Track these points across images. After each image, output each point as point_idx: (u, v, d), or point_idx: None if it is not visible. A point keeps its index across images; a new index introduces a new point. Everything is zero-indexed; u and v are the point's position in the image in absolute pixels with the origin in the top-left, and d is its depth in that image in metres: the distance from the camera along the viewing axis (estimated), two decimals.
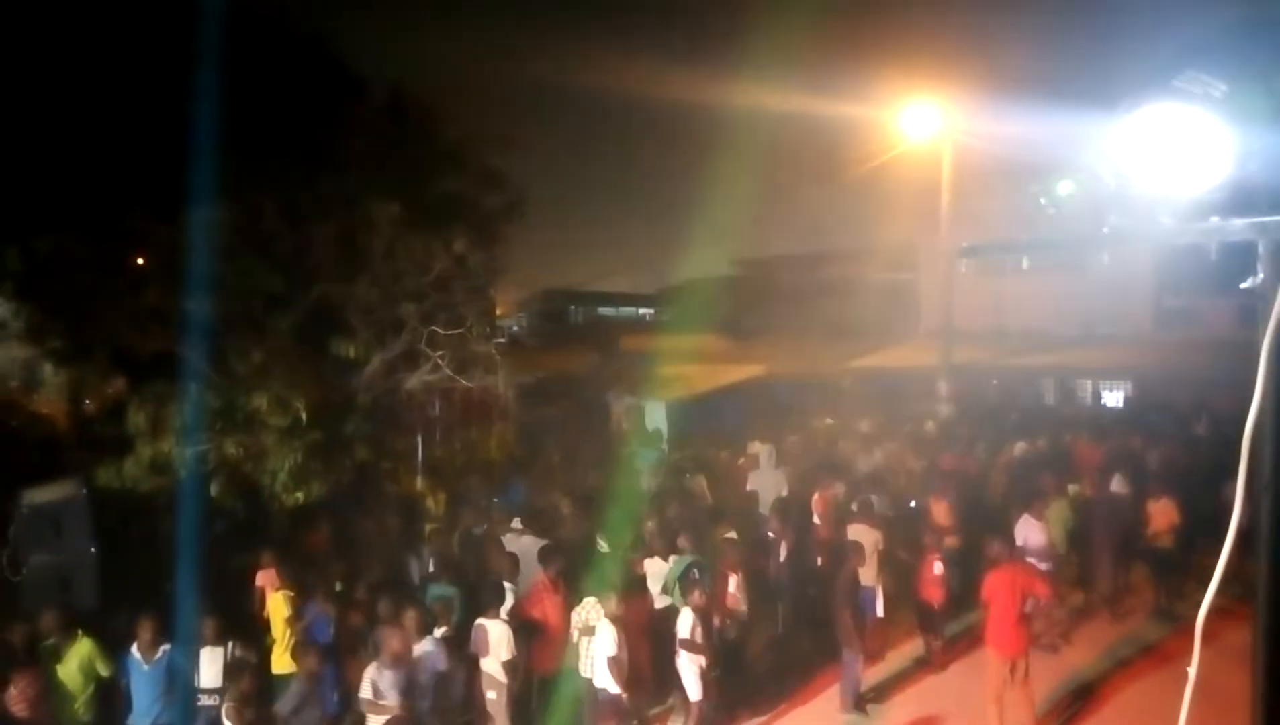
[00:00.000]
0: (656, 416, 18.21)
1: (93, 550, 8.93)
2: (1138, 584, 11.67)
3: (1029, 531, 10.07)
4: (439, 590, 8.55)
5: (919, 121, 19.22)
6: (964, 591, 10.90)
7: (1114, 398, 22.88)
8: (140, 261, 10.41)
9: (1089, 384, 23.24)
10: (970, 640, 10.11)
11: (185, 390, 9.43)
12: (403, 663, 7.20)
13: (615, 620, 7.80)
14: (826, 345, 22.89)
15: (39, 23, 11.80)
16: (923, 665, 9.98)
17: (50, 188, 11.20)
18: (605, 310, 32.55)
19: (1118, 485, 11.64)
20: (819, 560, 9.92)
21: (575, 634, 8.30)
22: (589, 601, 8.31)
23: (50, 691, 7.11)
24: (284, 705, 7.08)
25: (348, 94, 12.53)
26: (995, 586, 8.34)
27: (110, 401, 12.90)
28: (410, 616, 7.74)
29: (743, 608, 9.04)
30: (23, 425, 14.76)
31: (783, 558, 9.74)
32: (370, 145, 11.64)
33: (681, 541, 9.48)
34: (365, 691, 7.09)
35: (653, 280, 33.43)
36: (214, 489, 9.37)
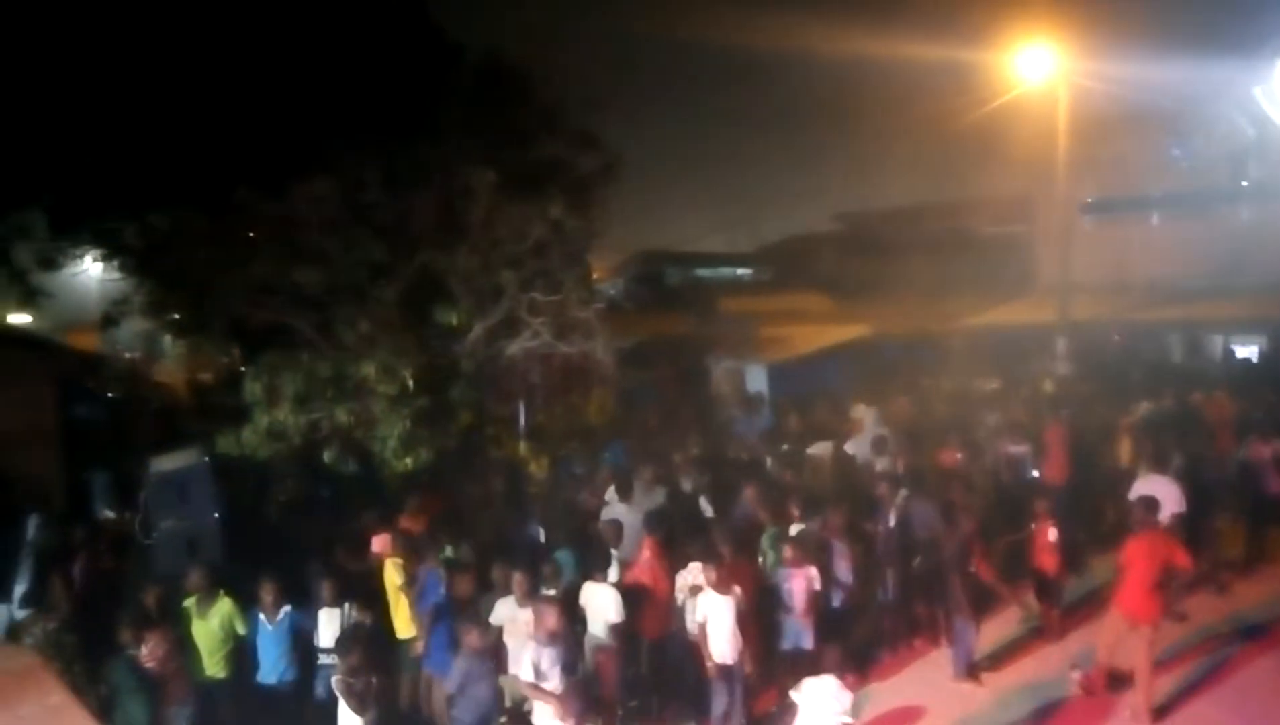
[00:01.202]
0: (757, 379, 17.99)
1: (216, 515, 9.34)
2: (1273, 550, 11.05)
3: (1157, 493, 9.57)
4: (555, 555, 8.65)
5: (1034, 64, 18.20)
6: (1079, 559, 10.54)
7: (1247, 353, 21.49)
8: (251, 235, 10.69)
9: (1219, 339, 21.90)
10: (1089, 608, 9.75)
11: (297, 360, 9.70)
12: (558, 639, 6.98)
13: (722, 586, 7.75)
14: (935, 303, 22.14)
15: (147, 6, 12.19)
16: (1037, 634, 9.65)
17: (164, 165, 11.65)
18: (702, 271, 32.21)
19: (1253, 445, 10.96)
20: (929, 526, 9.61)
21: (682, 599, 8.29)
22: (694, 566, 8.27)
23: (184, 648, 7.49)
24: (451, 683, 7.03)
25: (444, 62, 12.61)
26: (1135, 553, 8.01)
27: (226, 372, 13.47)
28: (519, 580, 7.84)
29: (848, 574, 8.87)
30: (146, 395, 15.57)
31: (891, 524, 9.49)
32: (467, 113, 11.70)
33: (784, 507, 9.36)
34: (525, 673, 6.83)
35: (751, 239, 32.94)
36: (327, 455, 9.66)
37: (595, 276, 13.04)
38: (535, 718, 6.90)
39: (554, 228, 10.91)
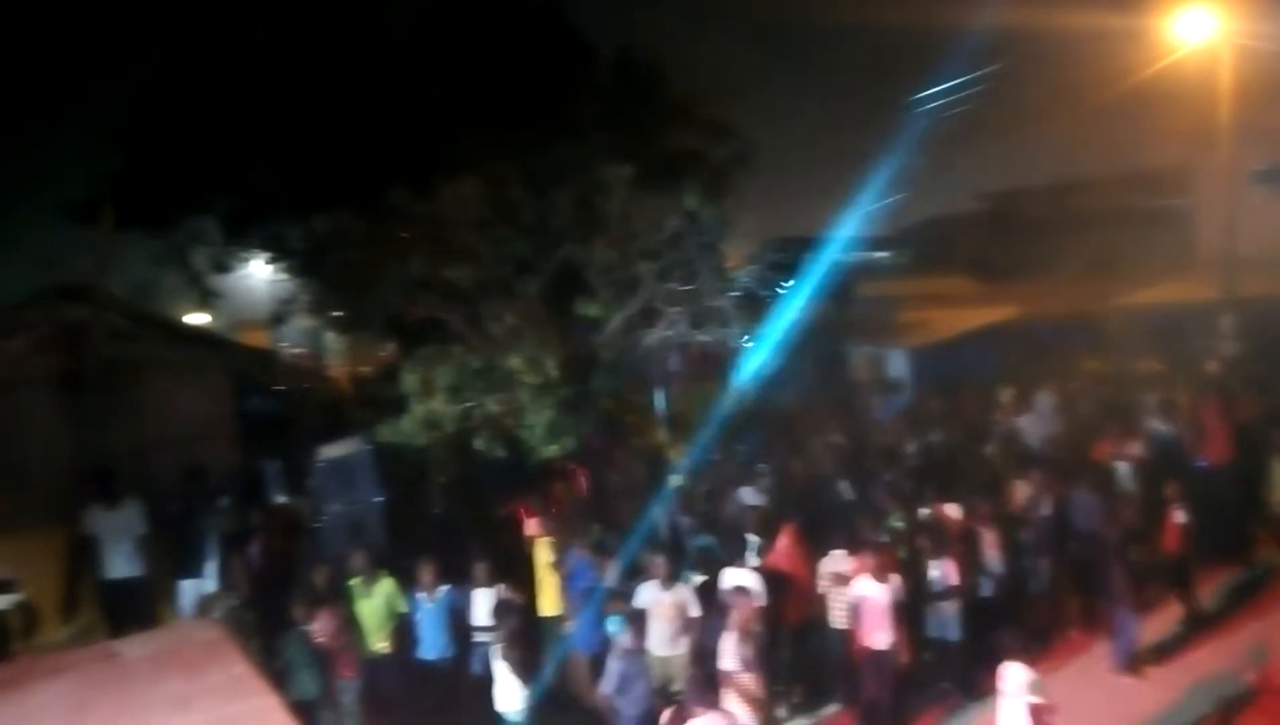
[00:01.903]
0: (898, 364, 17.60)
1: (378, 500, 9.94)
2: None
3: None
4: (699, 541, 8.81)
5: (1193, 25, 17.00)
6: (1247, 546, 9.93)
7: None
8: (405, 235, 11.25)
9: None
10: (1262, 598, 9.18)
11: (450, 353, 10.18)
12: (752, 632, 7.13)
13: (879, 573, 7.69)
14: (1088, 282, 21.03)
15: (299, 15, 12.95)
16: (1197, 625, 9.14)
17: (324, 171, 12.39)
18: (838, 256, 31.57)
19: None
20: (1085, 515, 9.26)
21: (825, 585, 8.28)
22: (837, 553, 8.25)
23: (351, 625, 8.03)
24: (607, 684, 7.20)
25: (580, 61, 12.90)
26: None
27: (384, 365, 14.22)
28: (660, 565, 8.03)
29: (996, 562, 8.64)
30: (311, 388, 16.63)
31: (1045, 512, 9.18)
32: (603, 109, 11.94)
33: (922, 492, 9.23)
34: (730, 663, 6.98)
35: (888, 221, 32.05)
36: (478, 443, 10.11)
37: (731, 264, 13.04)
38: (729, 705, 6.90)
39: (689, 218, 11.02)
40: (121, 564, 9.03)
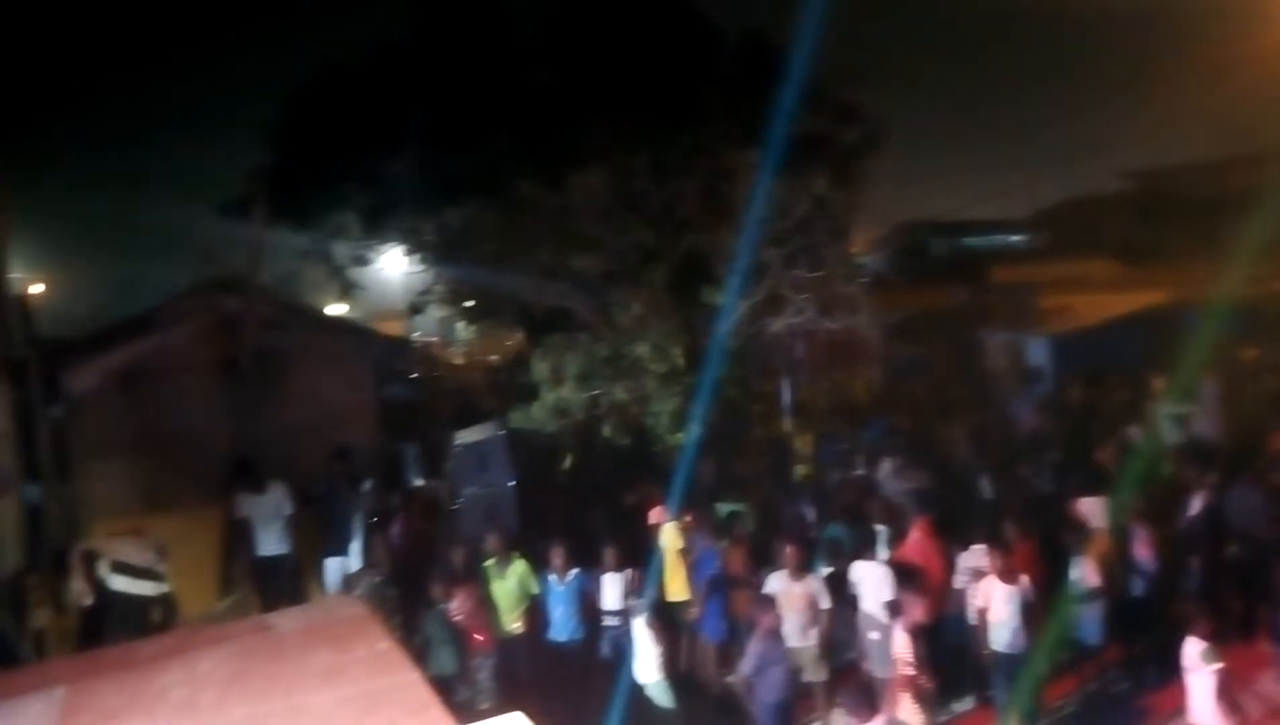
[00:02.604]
0: (1038, 352, 16.85)
1: (510, 484, 10.20)
2: None
3: None
4: (831, 531, 8.70)
5: None
6: None
7: None
8: (534, 226, 11.47)
9: None
10: None
11: (578, 341, 10.34)
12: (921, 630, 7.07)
13: (1008, 574, 7.40)
14: (1243, 265, 19.61)
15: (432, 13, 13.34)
16: None
17: (456, 166, 12.76)
18: (971, 240, 30.48)
19: None
20: (1249, 511, 8.66)
21: (963, 581, 8.02)
22: (977, 548, 7.99)
23: (486, 604, 8.27)
24: (745, 666, 7.25)
25: (705, 48, 12.83)
26: None
27: (511, 353, 14.56)
28: (791, 554, 7.95)
29: (1148, 561, 8.18)
30: (444, 375, 17.20)
31: (1202, 508, 8.63)
32: (728, 95, 11.85)
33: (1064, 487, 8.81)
34: (903, 651, 6.96)
35: (1023, 204, 30.74)
36: (606, 430, 10.24)
37: (858, 250, 12.78)
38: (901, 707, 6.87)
39: (817, 203, 10.85)
40: (271, 542, 9.56)
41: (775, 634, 7.22)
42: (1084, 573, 7.78)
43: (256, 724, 2.77)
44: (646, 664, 7.52)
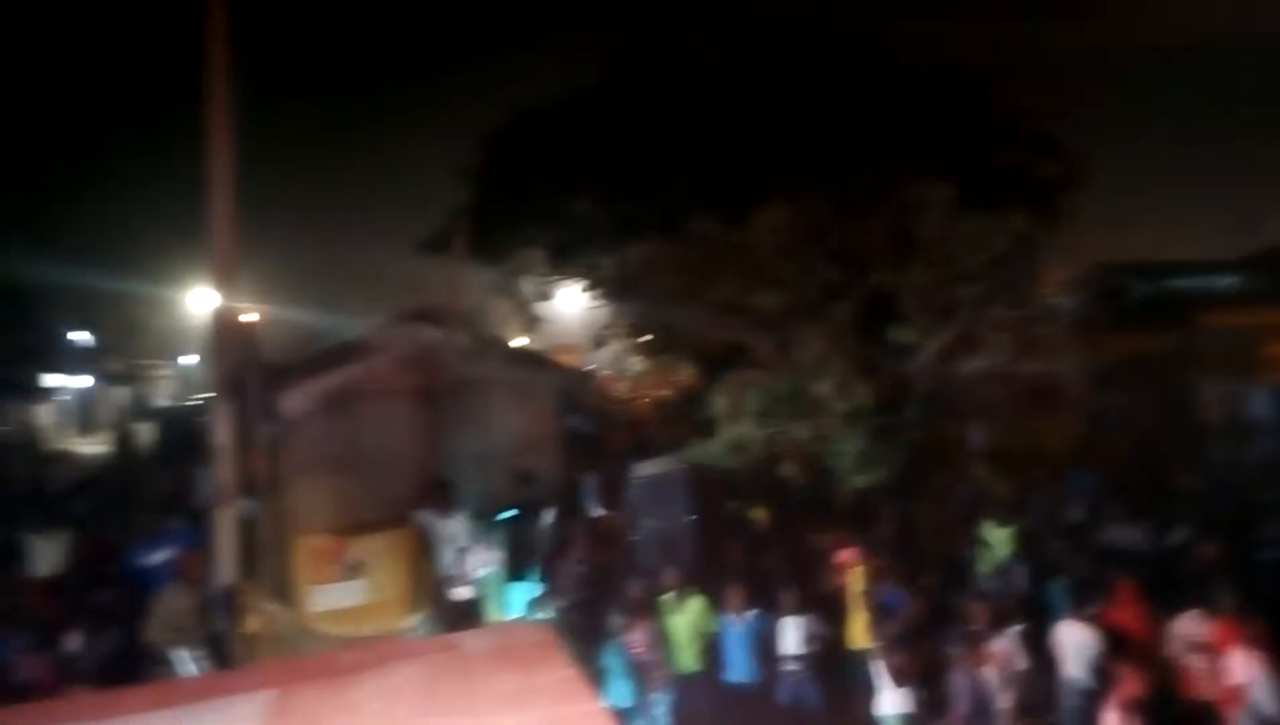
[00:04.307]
0: (1260, 404, 15.39)
1: (688, 519, 10.17)
2: None
3: None
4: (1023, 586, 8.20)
5: None
6: None
7: None
8: (713, 262, 11.51)
9: None
10: None
11: (757, 377, 10.24)
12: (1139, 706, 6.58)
13: (1240, 644, 6.67)
14: None
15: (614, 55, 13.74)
16: None
17: (635, 203, 13.03)
18: (1177, 282, 28.29)
19: None
20: None
21: (1177, 649, 7.33)
22: (1191, 614, 7.29)
23: (663, 639, 8.22)
24: (960, 707, 7.14)
25: (893, 81, 12.60)
26: None
27: (683, 388, 14.61)
28: (981, 611, 7.52)
29: None
30: (621, 408, 17.46)
31: None
32: (919, 128, 11.57)
33: None
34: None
35: (1237, 244, 28.32)
36: (785, 469, 10.06)
37: (1053, 291, 12.11)
38: None
39: (1014, 240, 10.37)
40: (459, 564, 9.87)
41: (982, 683, 6.95)
42: None
43: None
44: (888, 699, 7.37)
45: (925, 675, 7.45)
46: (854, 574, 8.37)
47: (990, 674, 7.17)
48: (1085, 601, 7.81)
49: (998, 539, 9.33)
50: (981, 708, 6.94)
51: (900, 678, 7.23)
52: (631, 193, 13.22)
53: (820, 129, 11.80)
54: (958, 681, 7.11)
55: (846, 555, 8.56)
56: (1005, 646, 7.36)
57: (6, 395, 26.03)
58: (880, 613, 8.16)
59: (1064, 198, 12.13)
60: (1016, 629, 7.72)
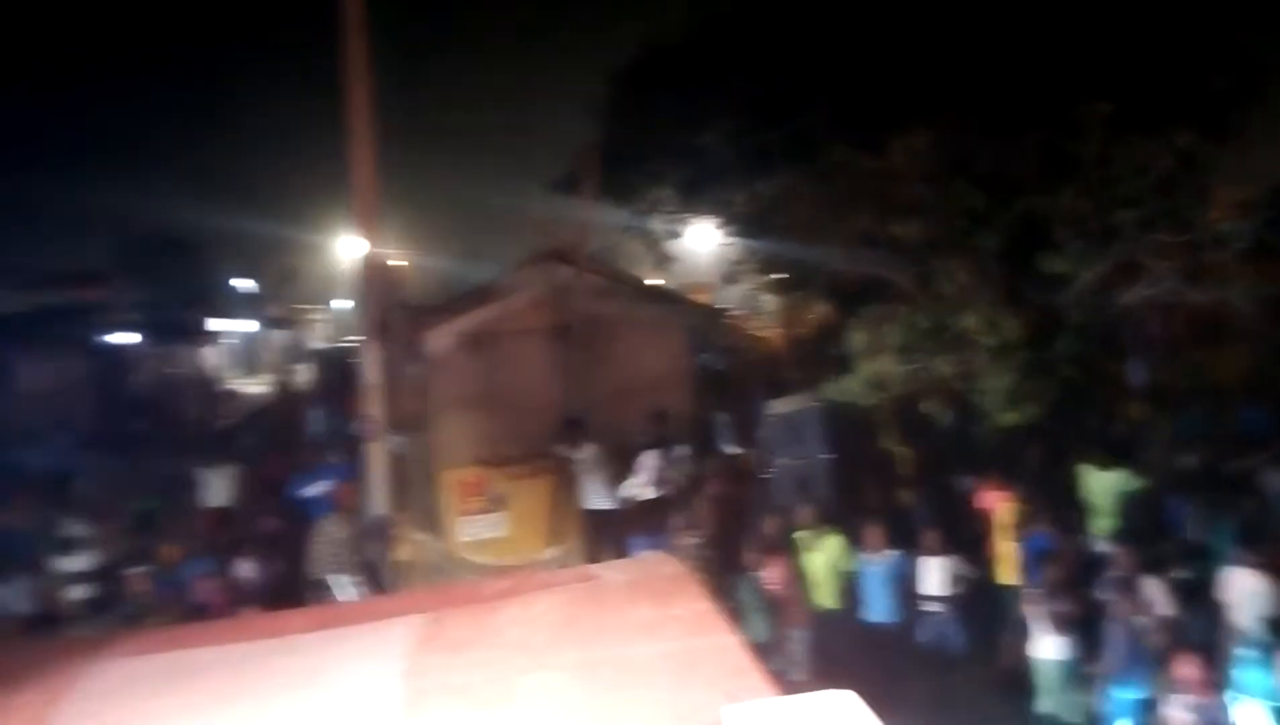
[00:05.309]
0: None
1: (825, 457, 10.03)
2: None
3: None
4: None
5: None
6: None
7: None
8: (850, 192, 11.11)
9: None
10: None
11: (897, 311, 9.89)
12: None
13: None
14: None
15: None
16: None
17: (767, 134, 12.67)
18: None
19: None
20: None
21: None
22: None
23: (799, 576, 8.18)
24: (1110, 662, 6.92)
25: None
26: None
27: (817, 325, 14.32)
28: (1126, 555, 7.18)
29: None
30: (753, 345, 17.31)
31: None
32: (1073, 40, 10.75)
33: None
34: None
35: None
36: (927, 406, 9.74)
37: (1226, 215, 11.12)
38: None
39: (1182, 160, 9.55)
40: (596, 497, 10.11)
41: (1128, 624, 6.69)
42: None
43: (586, 669, 2.84)
44: (1045, 644, 7.20)
45: (1078, 621, 7.15)
46: (1002, 515, 8.07)
47: (1145, 622, 6.83)
48: (1256, 546, 7.30)
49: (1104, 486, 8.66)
50: (1137, 656, 6.60)
51: (1060, 624, 7.02)
52: (763, 124, 12.87)
53: (964, 44, 11.12)
54: (1112, 629, 6.80)
55: (994, 496, 8.26)
56: (1155, 592, 7.00)
57: (179, 339, 28.07)
58: (1031, 556, 7.86)
59: (1238, 113, 11.14)
60: (1171, 575, 7.33)
